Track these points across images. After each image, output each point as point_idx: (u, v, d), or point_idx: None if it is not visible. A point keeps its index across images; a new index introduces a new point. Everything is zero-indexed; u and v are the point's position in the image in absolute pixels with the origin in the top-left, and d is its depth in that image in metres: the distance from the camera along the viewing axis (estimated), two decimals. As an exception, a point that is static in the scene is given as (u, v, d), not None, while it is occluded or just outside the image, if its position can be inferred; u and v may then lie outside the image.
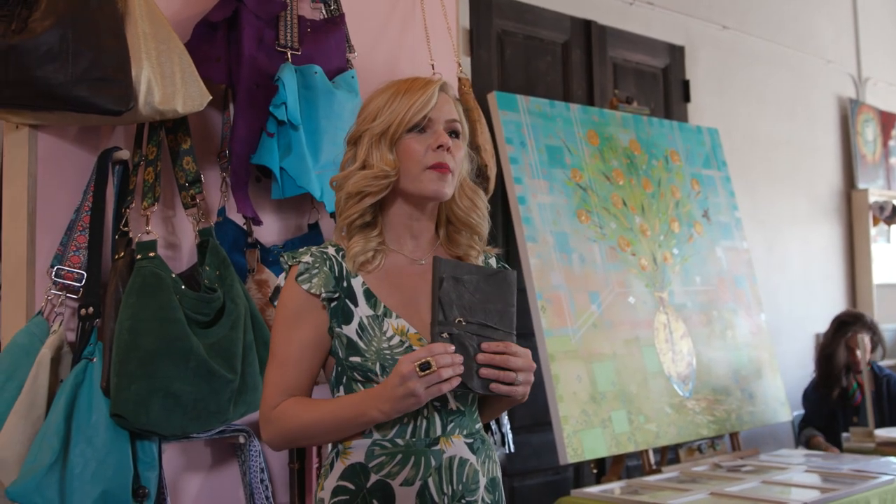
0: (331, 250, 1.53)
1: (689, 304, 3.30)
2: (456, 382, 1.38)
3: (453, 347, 1.38)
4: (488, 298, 1.47)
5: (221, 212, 2.20)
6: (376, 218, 1.54)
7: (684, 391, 3.12)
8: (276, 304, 1.55)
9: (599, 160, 3.21)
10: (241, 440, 2.12)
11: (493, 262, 1.68)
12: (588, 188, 3.12)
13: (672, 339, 3.17)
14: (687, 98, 4.11)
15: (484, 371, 1.43)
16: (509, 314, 1.48)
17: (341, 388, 1.52)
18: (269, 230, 2.30)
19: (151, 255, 1.95)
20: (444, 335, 1.41)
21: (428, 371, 1.35)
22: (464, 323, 1.43)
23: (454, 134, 1.55)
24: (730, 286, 3.51)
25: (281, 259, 1.55)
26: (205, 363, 1.92)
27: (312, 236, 2.34)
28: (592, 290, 2.98)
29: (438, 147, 1.50)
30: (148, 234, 1.98)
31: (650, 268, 3.20)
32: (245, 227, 2.23)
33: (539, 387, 2.71)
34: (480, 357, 1.42)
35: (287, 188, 2.16)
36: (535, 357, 1.52)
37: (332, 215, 2.34)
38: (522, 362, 1.44)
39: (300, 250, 1.54)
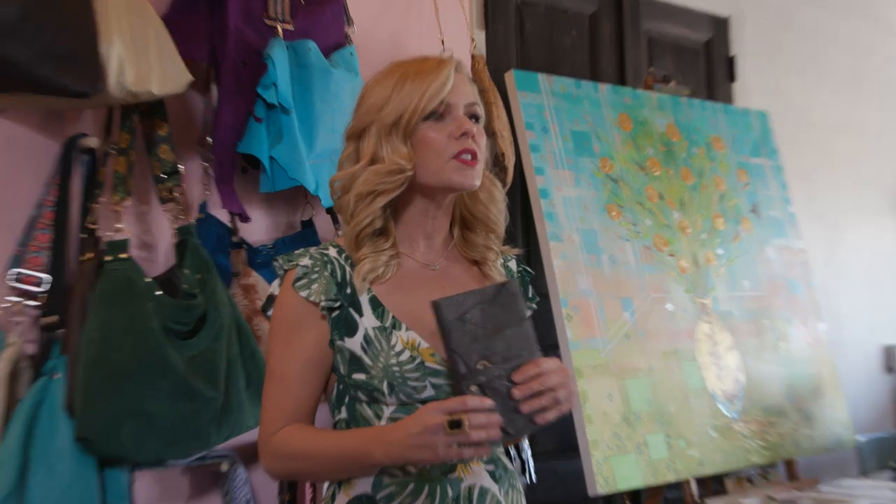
0: (332, 252, 1.53)
1: (736, 312, 3.29)
2: (484, 452, 1.35)
3: (490, 402, 1.35)
4: (500, 323, 1.45)
5: (203, 207, 2.21)
6: (388, 223, 1.53)
7: (731, 412, 3.12)
8: (269, 314, 1.54)
9: (632, 148, 3.21)
10: (224, 468, 2.13)
11: (512, 264, 1.68)
12: (619, 179, 3.12)
13: (717, 351, 3.16)
14: (732, 77, 4.11)
15: (525, 406, 1.39)
16: (525, 328, 1.46)
17: (343, 409, 1.51)
18: (258, 228, 2.31)
19: (123, 256, 1.97)
20: (474, 388, 1.38)
21: (457, 430, 1.31)
22: (489, 365, 1.41)
23: (475, 118, 1.54)
24: (783, 291, 3.51)
25: (275, 264, 1.54)
26: (183, 380, 1.93)
27: (306, 235, 2.35)
28: (625, 296, 2.98)
29: (462, 135, 1.50)
30: (119, 232, 2.00)
31: (691, 270, 3.20)
32: (230, 224, 2.24)
33: (564, 407, 2.71)
34: (516, 393, 1.39)
35: (277, 180, 2.17)
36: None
37: (329, 211, 2.35)
38: (557, 377, 1.41)
39: (296, 252, 1.53)
